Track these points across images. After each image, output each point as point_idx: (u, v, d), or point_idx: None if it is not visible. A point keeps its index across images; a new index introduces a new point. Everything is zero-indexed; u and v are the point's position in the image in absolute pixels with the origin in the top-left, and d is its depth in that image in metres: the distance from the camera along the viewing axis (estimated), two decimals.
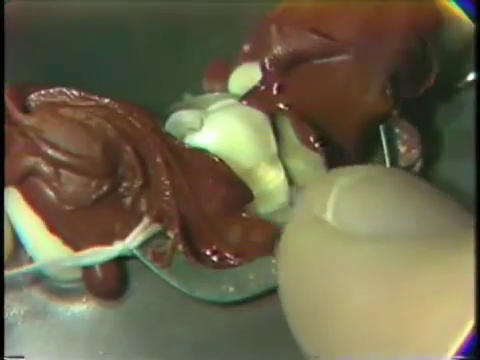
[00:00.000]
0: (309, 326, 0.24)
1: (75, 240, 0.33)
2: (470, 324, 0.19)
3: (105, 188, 0.33)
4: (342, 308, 0.22)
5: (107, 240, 0.33)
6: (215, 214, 0.34)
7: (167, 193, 0.34)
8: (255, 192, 0.34)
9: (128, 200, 0.34)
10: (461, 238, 0.22)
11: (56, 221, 0.33)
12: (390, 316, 0.21)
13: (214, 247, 0.34)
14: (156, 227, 0.33)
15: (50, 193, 0.33)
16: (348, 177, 0.25)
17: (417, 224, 0.23)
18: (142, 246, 0.33)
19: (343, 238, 0.24)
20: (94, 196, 0.33)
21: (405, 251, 0.22)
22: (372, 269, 0.22)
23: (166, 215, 0.33)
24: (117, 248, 0.33)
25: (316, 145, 0.33)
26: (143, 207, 0.34)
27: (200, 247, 0.34)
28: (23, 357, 0.32)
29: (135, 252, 0.33)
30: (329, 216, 0.24)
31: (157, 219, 0.33)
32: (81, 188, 0.33)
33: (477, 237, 0.20)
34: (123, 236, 0.33)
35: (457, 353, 0.19)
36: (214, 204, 0.34)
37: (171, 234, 0.33)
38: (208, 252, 0.34)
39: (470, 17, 0.29)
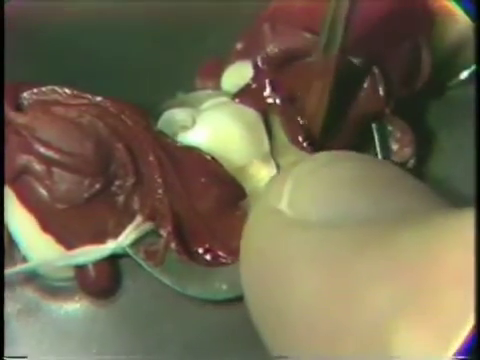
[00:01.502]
0: (271, 322, 0.23)
1: (68, 239, 0.33)
2: (404, 310, 0.19)
3: (98, 186, 0.33)
4: (295, 298, 0.22)
5: (100, 239, 0.33)
6: (208, 212, 0.34)
7: (160, 191, 0.34)
8: (247, 190, 0.34)
9: (121, 198, 0.34)
10: (418, 221, 0.21)
11: (49, 220, 0.33)
12: (334, 303, 0.21)
13: (207, 245, 0.34)
14: (149, 225, 0.33)
15: (43, 192, 0.33)
16: (304, 165, 0.25)
17: (374, 208, 0.23)
18: (135, 244, 0.33)
19: (297, 227, 0.23)
20: (87, 194, 0.33)
21: (354, 236, 0.22)
22: (321, 256, 0.22)
23: (159, 213, 0.33)
24: (110, 246, 0.33)
25: (304, 144, 0.34)
26: (136, 205, 0.34)
27: (193, 245, 0.34)
28: (26, 357, 0.32)
29: (128, 250, 0.33)
30: (284, 206, 0.24)
31: (150, 217, 0.33)
32: (74, 186, 0.33)
33: (477, 235, 0.19)
34: (116, 234, 0.33)
35: (457, 353, 0.18)
36: (207, 202, 0.34)
37: (164, 232, 0.33)
38: (201, 250, 0.34)
39: (470, 17, 0.29)
